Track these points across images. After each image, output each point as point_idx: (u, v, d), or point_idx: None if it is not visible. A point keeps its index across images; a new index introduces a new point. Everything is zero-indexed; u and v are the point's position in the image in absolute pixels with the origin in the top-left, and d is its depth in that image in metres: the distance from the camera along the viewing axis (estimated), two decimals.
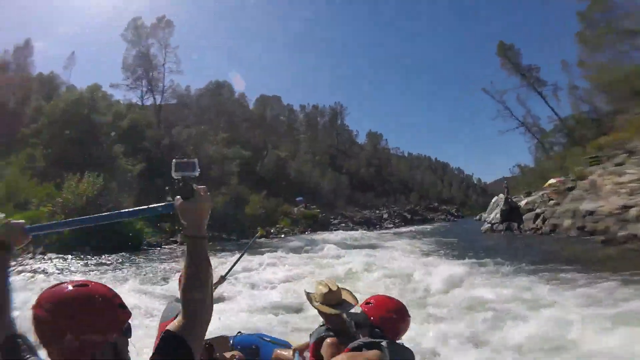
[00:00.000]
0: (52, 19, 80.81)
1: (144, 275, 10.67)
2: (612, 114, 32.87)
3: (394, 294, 5.15)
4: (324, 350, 2.18)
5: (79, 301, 0.99)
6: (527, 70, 39.58)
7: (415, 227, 36.26)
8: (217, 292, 2.99)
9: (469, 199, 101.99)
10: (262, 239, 24.49)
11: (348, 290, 2.46)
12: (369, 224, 38.82)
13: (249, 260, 10.57)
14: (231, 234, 24.59)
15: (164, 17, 41.91)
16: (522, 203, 21.35)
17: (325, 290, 2.32)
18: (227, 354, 2.85)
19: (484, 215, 23.47)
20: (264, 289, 8.18)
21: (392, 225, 39.62)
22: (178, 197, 1.12)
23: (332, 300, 2.29)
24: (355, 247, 15.89)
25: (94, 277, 10.01)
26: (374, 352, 1.82)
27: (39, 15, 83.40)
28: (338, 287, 2.38)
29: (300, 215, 34.21)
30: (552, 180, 20.82)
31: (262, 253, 13.25)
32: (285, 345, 3.22)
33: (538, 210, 19.00)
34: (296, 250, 15.16)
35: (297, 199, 40.17)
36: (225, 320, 5.09)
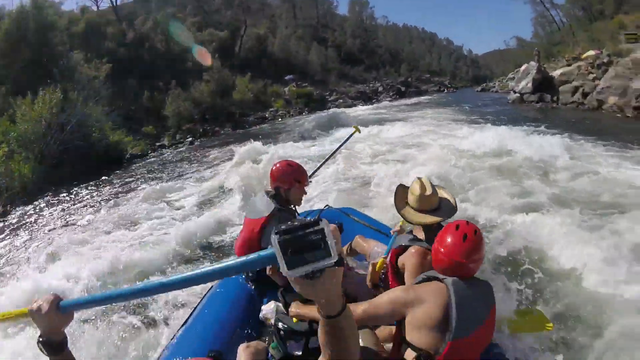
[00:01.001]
0: None
1: (138, 190, 9.04)
2: None
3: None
4: (407, 259, 1.99)
5: None
6: None
7: (416, 98, 33.70)
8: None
9: (460, 71, 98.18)
10: (262, 125, 22.03)
11: (443, 188, 2.16)
12: (365, 98, 35.90)
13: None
14: (224, 125, 21.93)
15: None
16: (556, 73, 18.96)
17: (418, 192, 2.01)
18: None
19: (511, 84, 20.94)
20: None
21: (389, 98, 36.88)
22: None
23: (426, 205, 2.00)
24: (383, 121, 13.99)
25: (81, 216, 7.54)
26: (435, 285, 1.60)
27: None
28: (434, 188, 2.07)
29: (293, 94, 30.94)
30: (590, 52, 18.70)
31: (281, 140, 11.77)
32: (370, 225, 3.19)
33: (576, 83, 17.06)
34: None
35: (287, 77, 36.37)
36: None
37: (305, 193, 2.63)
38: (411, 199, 2.05)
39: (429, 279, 1.66)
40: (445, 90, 55.79)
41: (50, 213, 8.15)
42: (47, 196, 9.55)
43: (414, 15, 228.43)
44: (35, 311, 0.97)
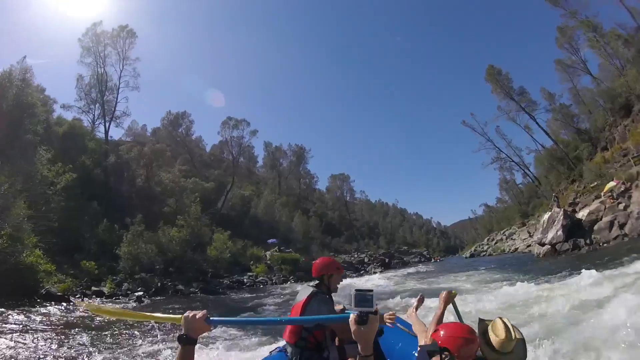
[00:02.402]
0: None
1: None
2: (602, 130, 31.17)
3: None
4: None
5: None
6: (519, 93, 37.62)
7: (407, 269, 30.25)
8: None
9: (432, 242, 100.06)
10: (239, 292, 17.41)
11: (517, 329, 2.11)
12: (353, 269, 32.22)
13: None
14: (190, 284, 16.75)
15: (127, 26, 35.77)
16: (582, 214, 17.47)
17: (504, 336, 2.03)
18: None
19: (536, 236, 18.47)
20: None
21: (379, 270, 33.36)
22: (353, 315, 1.27)
23: (506, 348, 2.01)
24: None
25: None
26: None
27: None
28: (515, 333, 2.06)
29: (276, 260, 27.04)
30: (611, 184, 17.80)
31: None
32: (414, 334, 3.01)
33: (608, 218, 15.88)
34: None
35: (270, 241, 33.08)
36: None
37: (342, 280, 3.10)
38: (494, 339, 2.04)
39: None
40: (433, 260, 54.05)
41: None
42: None
43: (384, 192, 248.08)
44: (190, 317, 1.45)
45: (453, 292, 2.98)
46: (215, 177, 45.41)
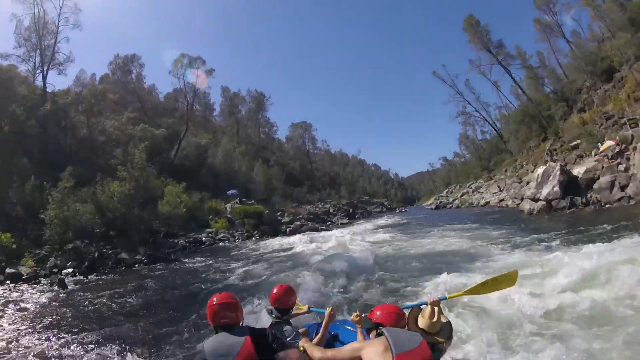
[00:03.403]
0: None
1: None
2: (579, 92, 30.57)
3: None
4: None
5: None
6: (496, 46, 35.69)
7: (375, 220, 28.92)
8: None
9: (390, 193, 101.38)
10: (197, 255, 14.73)
11: (442, 314, 2.44)
12: (319, 220, 30.31)
13: None
14: (136, 250, 13.11)
15: None
16: (579, 171, 16.28)
17: (427, 317, 2.36)
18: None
19: (530, 190, 17.10)
20: None
21: (346, 221, 31.90)
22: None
23: (432, 329, 2.33)
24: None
25: None
26: (379, 338, 2.15)
27: None
28: (440, 315, 2.39)
29: (238, 212, 24.28)
30: (609, 142, 16.56)
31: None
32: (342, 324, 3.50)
33: (607, 178, 14.75)
34: None
35: (229, 192, 30.05)
36: None
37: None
38: (421, 321, 2.36)
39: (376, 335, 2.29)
40: (398, 210, 54.21)
41: None
42: None
43: (344, 143, 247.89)
44: None
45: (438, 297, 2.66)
46: (168, 125, 40.36)
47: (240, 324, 2.17)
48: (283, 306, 3.18)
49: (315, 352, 2.36)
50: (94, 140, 27.97)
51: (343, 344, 3.10)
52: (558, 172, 16.06)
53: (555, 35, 35.86)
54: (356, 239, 14.04)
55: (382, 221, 26.52)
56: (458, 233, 12.80)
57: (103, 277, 10.02)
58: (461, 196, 39.52)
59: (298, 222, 24.54)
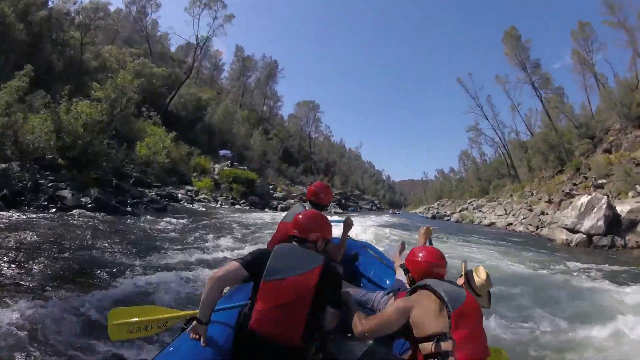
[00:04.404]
0: None
1: None
2: (607, 132, 28.64)
3: None
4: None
5: None
6: (533, 65, 32.97)
7: (378, 217, 26.19)
8: None
9: (378, 193, 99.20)
10: (166, 212, 11.75)
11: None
12: None
13: None
14: (85, 188, 9.59)
15: None
16: (622, 210, 13.96)
17: (484, 277, 2.17)
18: None
19: (570, 219, 14.41)
20: None
21: (340, 211, 29.19)
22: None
23: (482, 291, 2.16)
24: None
25: None
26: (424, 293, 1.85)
27: None
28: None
29: (227, 175, 21.22)
30: None
31: None
32: (382, 259, 3.37)
33: None
34: None
35: (222, 152, 26.97)
36: None
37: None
38: (476, 279, 2.15)
39: (414, 290, 1.90)
40: (391, 212, 51.90)
41: None
42: None
43: (344, 133, 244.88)
44: None
45: (430, 227, 2.90)
46: (172, 73, 36.52)
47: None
48: (320, 202, 2.89)
49: (357, 322, 1.90)
50: (85, 64, 24.42)
51: (363, 271, 3.22)
52: (604, 206, 13.63)
53: (589, 71, 33.67)
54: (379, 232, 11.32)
55: (384, 219, 23.72)
56: (472, 245, 10.18)
57: (22, 216, 6.98)
58: (460, 211, 37.17)
59: (291, 200, 21.63)
